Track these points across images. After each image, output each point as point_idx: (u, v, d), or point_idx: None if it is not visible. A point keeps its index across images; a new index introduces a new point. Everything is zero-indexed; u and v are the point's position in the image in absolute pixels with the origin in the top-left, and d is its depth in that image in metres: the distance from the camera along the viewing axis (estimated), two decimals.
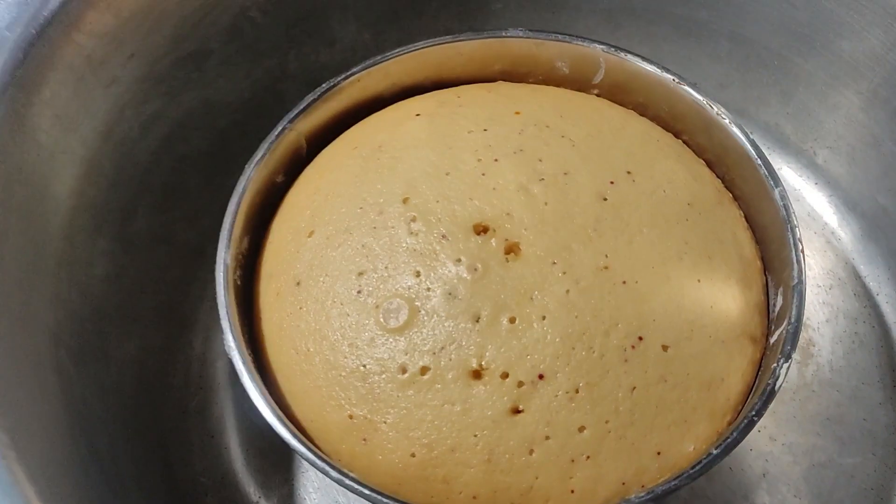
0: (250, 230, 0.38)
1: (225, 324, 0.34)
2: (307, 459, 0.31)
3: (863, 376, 0.41)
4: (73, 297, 0.37)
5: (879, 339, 0.42)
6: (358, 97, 0.42)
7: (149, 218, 0.42)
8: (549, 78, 0.43)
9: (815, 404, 0.41)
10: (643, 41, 0.48)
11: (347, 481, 0.31)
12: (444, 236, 0.34)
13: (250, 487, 0.40)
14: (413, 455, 0.32)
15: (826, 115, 0.45)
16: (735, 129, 0.38)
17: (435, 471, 0.32)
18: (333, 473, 0.31)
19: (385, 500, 0.31)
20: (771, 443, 0.40)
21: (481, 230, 0.35)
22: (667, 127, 0.41)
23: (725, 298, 0.35)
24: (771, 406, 0.31)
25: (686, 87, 0.40)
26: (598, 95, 0.43)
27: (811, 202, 0.47)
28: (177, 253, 0.44)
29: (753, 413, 0.31)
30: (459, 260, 0.34)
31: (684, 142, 0.41)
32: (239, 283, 0.37)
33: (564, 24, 0.49)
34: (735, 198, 0.39)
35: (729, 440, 0.31)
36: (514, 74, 0.43)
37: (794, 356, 0.40)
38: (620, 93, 0.42)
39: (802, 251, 0.34)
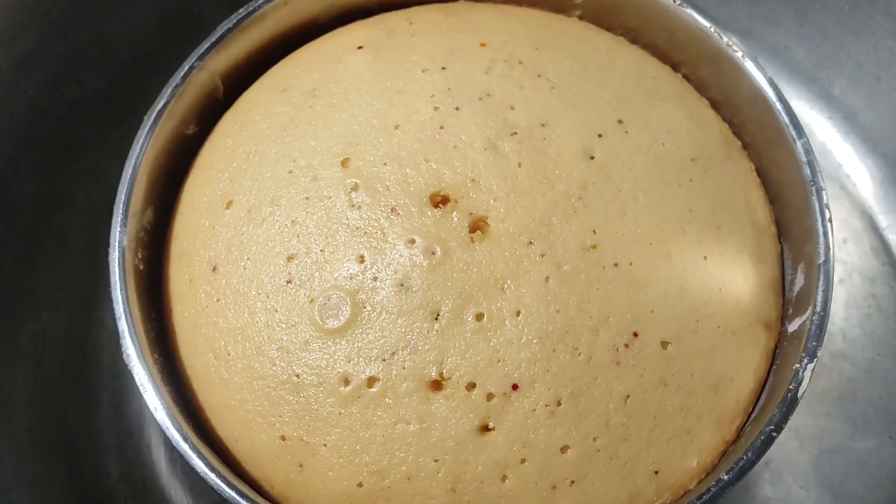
0: (155, 198, 0.31)
1: (122, 326, 0.27)
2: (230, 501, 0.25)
3: (879, 347, 0.36)
4: None
5: None
6: (286, 24, 0.34)
7: (37, 178, 0.34)
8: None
9: (826, 380, 0.35)
10: None
11: None
12: (393, 210, 0.28)
13: (178, 493, 0.35)
14: (360, 485, 0.26)
15: (847, 38, 0.38)
16: (749, 65, 0.31)
17: (388, 503, 0.26)
18: None
19: None
20: None
21: (440, 201, 0.28)
22: (663, 58, 0.35)
23: (736, 278, 0.29)
24: None
25: (689, 10, 0.32)
26: (580, 18, 0.35)
27: (823, 139, 0.40)
28: (78, 215, 0.36)
29: (772, 427, 0.26)
30: (413, 241, 0.27)
31: (684, 76, 0.34)
32: (142, 266, 0.30)
33: None
34: (745, 146, 0.33)
35: (743, 462, 0.26)
36: None
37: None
38: (608, 15, 0.35)
39: (831, 220, 0.28)
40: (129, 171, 0.29)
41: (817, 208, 0.29)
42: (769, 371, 0.29)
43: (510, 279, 0.27)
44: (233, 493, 0.25)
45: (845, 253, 0.38)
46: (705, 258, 0.28)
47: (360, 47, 0.32)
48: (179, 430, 0.26)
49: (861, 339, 0.36)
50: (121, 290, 0.28)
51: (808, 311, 0.27)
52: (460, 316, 0.26)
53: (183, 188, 0.31)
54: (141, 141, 0.30)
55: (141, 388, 0.27)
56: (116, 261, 0.28)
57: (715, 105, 0.34)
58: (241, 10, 0.32)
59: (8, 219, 0.33)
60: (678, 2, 0.32)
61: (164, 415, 0.26)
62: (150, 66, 0.37)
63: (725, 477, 0.25)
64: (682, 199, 0.29)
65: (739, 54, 0.31)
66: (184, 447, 0.26)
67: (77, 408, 0.35)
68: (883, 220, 0.38)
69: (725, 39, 0.32)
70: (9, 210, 0.33)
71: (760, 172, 0.32)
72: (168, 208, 0.31)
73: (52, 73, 0.34)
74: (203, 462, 0.26)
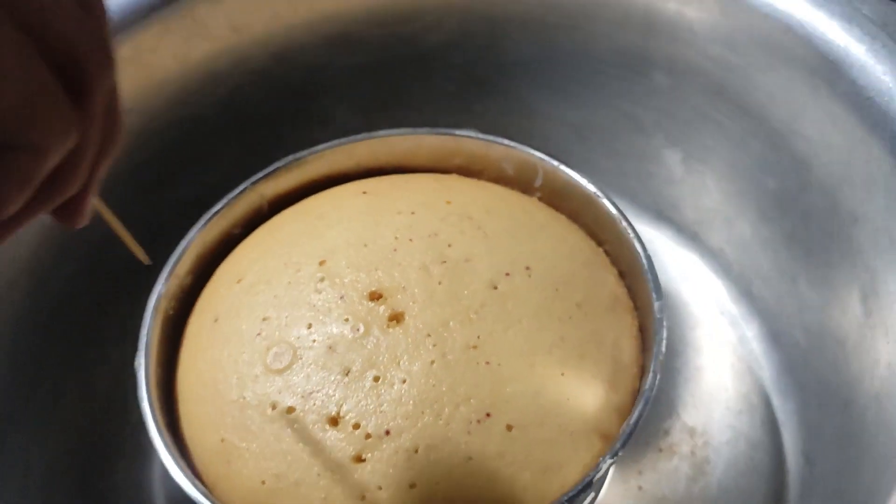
0: (196, 270, 0.44)
1: (142, 341, 0.39)
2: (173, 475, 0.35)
3: (747, 500, 0.41)
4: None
5: (773, 469, 0.42)
6: (324, 171, 0.47)
7: None
8: (500, 177, 0.47)
9: None
10: (606, 156, 0.52)
11: (199, 497, 0.35)
12: (342, 297, 0.39)
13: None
14: (263, 482, 0.35)
15: (758, 249, 0.46)
16: (637, 245, 0.41)
17: (279, 499, 0.35)
18: (192, 491, 0.35)
19: None
20: None
21: (377, 297, 0.39)
22: (592, 235, 0.44)
23: (585, 395, 0.37)
24: None
25: (605, 201, 0.43)
26: (539, 199, 0.46)
27: (744, 328, 0.48)
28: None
29: (566, 499, 0.33)
30: (347, 320, 0.38)
31: (605, 251, 0.44)
32: (171, 312, 0.42)
33: (539, 131, 0.53)
34: (636, 308, 0.42)
35: None
36: (470, 170, 0.48)
37: (686, 470, 0.42)
38: (557, 199, 0.46)
39: (661, 363, 0.36)
40: (180, 248, 0.42)
41: (653, 364, 0.37)
42: None
43: (407, 357, 0.36)
44: (176, 468, 0.35)
45: (739, 421, 0.44)
46: (562, 374, 0.37)
47: (364, 192, 0.45)
48: (155, 422, 0.37)
49: (734, 492, 0.42)
50: (150, 317, 0.40)
51: (625, 423, 0.35)
52: (363, 375, 0.36)
53: (219, 267, 0.44)
54: (194, 231, 0.43)
55: (140, 390, 0.38)
56: (153, 303, 0.40)
57: (622, 275, 0.43)
58: (289, 157, 0.46)
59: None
60: (597, 194, 0.43)
61: (146, 407, 0.37)
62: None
63: None
64: (558, 329, 0.38)
65: (631, 234, 0.41)
66: (154, 435, 0.36)
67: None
68: (776, 401, 0.45)
69: (625, 224, 0.42)
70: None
71: (643, 329, 0.41)
72: (205, 279, 0.44)
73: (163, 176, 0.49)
74: (162, 444, 0.36)
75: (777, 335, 0.47)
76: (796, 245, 0.43)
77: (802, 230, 0.42)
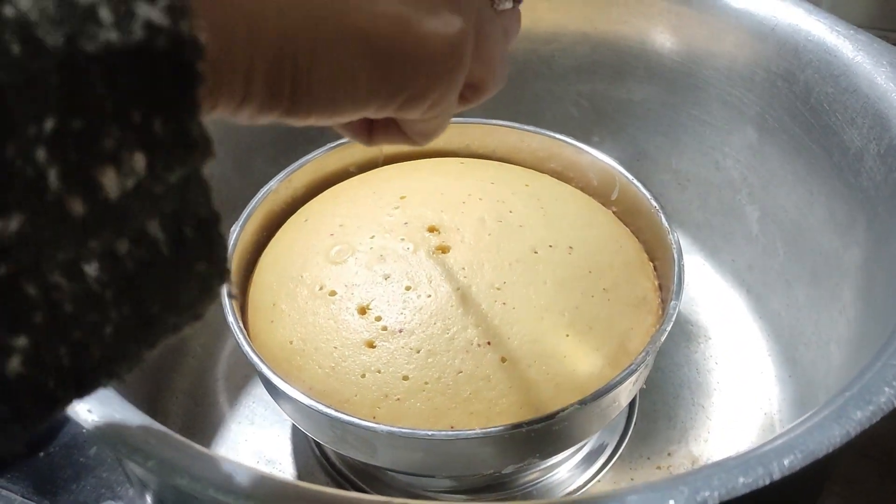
0: (311, 186, 0.52)
1: (242, 216, 0.47)
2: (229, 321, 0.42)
3: None
4: None
5: None
6: (437, 145, 0.54)
7: None
8: (586, 187, 0.52)
9: None
10: (700, 207, 0.56)
11: (242, 342, 0.42)
12: (405, 223, 0.45)
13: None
14: (291, 342, 0.42)
15: (811, 314, 0.48)
16: (675, 254, 0.44)
17: (298, 358, 0.41)
18: (237, 332, 0.42)
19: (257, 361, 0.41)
20: None
21: (433, 230, 0.45)
22: (648, 251, 0.48)
23: (581, 360, 0.41)
24: None
25: (661, 216, 0.47)
26: (615, 212, 0.51)
27: (778, 388, 0.49)
28: None
29: (524, 425, 0.37)
30: (403, 239, 0.44)
31: (654, 266, 0.48)
32: (276, 209, 0.50)
33: (644, 173, 0.56)
34: (662, 317, 0.45)
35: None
36: (563, 176, 0.53)
37: None
38: (628, 215, 0.50)
39: (655, 349, 0.40)
40: (297, 164, 0.51)
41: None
42: None
43: (438, 278, 0.42)
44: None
45: None
46: (567, 336, 0.41)
47: (461, 162, 0.52)
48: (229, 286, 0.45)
49: None
50: (254, 205, 0.48)
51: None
52: (399, 281, 0.42)
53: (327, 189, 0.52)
54: (316, 153, 0.51)
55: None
56: (259, 196, 0.49)
57: (660, 288, 0.46)
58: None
59: None
60: (656, 208, 0.47)
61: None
62: None
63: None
64: (577, 300, 0.42)
65: (674, 248, 0.44)
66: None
67: None
68: None
69: (673, 240, 0.45)
70: None
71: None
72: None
73: None
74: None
75: (804, 400, 0.48)
76: (834, 307, 0.45)
77: (844, 293, 0.44)
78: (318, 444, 0.49)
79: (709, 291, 0.56)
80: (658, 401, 0.50)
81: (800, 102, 0.46)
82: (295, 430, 0.50)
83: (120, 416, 0.27)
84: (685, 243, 0.47)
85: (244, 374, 0.52)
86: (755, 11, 0.48)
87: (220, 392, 0.51)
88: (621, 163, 0.50)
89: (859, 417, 0.26)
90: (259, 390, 0.51)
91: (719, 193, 0.55)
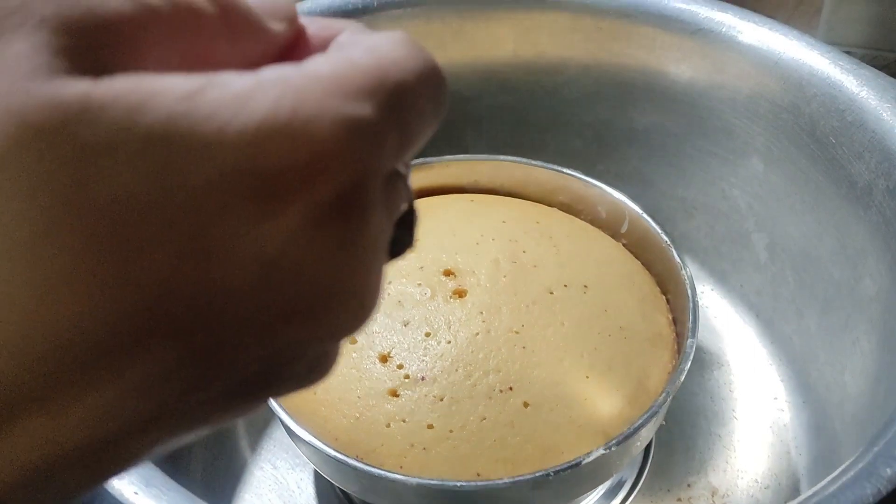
0: None
1: None
2: None
3: None
4: None
5: None
6: (446, 181, 0.55)
7: None
8: (594, 220, 0.53)
9: None
10: (708, 235, 0.56)
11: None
12: (421, 267, 0.46)
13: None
14: (315, 393, 0.42)
15: (823, 343, 0.49)
16: (689, 291, 0.45)
17: (323, 409, 0.42)
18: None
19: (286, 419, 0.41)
20: None
21: (449, 274, 0.45)
22: (660, 284, 0.49)
23: (602, 400, 0.41)
24: None
25: (673, 251, 0.47)
26: (625, 245, 0.52)
27: (792, 414, 0.50)
28: None
29: (551, 472, 0.37)
30: (420, 284, 0.45)
31: (667, 300, 0.48)
32: None
33: (651, 202, 0.56)
34: (678, 352, 0.45)
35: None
36: (571, 209, 0.54)
37: None
38: (639, 248, 0.51)
39: (676, 388, 0.40)
40: None
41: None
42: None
43: (457, 324, 0.43)
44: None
45: (763, 495, 0.46)
46: (587, 377, 0.42)
47: (472, 200, 0.52)
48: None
49: None
50: None
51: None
52: (418, 328, 0.43)
53: None
54: None
55: None
56: None
57: (674, 322, 0.47)
58: (418, 160, 0.54)
59: None
60: (666, 244, 0.47)
61: None
62: None
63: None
64: (595, 340, 0.43)
65: (687, 283, 0.45)
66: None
67: None
68: (804, 487, 0.46)
69: (685, 275, 0.46)
70: None
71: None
72: None
73: None
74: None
75: (819, 426, 0.48)
76: (846, 337, 0.45)
77: (858, 325, 0.44)
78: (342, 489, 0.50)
79: (718, 317, 0.57)
80: (675, 431, 0.51)
81: (805, 135, 0.47)
82: (318, 473, 0.51)
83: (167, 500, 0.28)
84: (692, 269, 0.47)
85: (264, 419, 0.52)
86: (758, 45, 0.49)
87: (240, 437, 0.51)
88: (627, 192, 0.51)
89: (889, 475, 0.26)
90: (280, 433, 0.52)
91: (727, 221, 0.56)
